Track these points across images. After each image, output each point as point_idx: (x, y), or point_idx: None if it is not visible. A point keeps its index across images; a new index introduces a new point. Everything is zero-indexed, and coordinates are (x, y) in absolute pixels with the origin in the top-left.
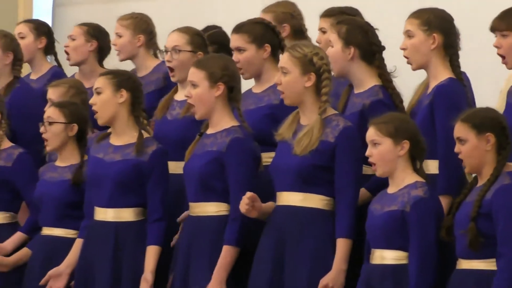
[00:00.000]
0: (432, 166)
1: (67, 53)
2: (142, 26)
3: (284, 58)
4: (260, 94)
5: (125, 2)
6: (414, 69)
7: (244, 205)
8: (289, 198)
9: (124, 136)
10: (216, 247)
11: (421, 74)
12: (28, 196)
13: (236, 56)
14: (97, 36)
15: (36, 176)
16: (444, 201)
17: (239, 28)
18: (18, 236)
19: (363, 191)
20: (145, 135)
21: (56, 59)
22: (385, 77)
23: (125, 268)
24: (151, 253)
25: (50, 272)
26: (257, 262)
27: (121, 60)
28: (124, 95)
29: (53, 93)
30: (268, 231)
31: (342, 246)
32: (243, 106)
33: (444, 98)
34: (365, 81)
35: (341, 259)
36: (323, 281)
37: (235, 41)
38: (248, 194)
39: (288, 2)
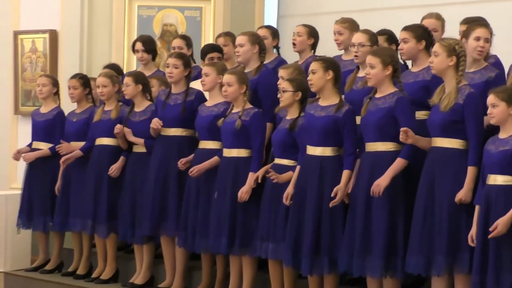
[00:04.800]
0: None
1: (294, 44)
2: (356, 27)
3: (436, 46)
4: (417, 72)
5: (324, 15)
6: None
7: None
8: (439, 142)
9: (328, 100)
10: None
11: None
12: (255, 142)
13: (401, 45)
14: (314, 35)
15: (264, 128)
16: None
17: (408, 27)
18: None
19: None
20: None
21: (278, 52)
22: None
23: (327, 187)
24: (344, 175)
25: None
26: (420, 181)
27: (340, 49)
28: (331, 74)
29: (284, 72)
30: (426, 162)
31: (470, 171)
32: (404, 79)
33: None
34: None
35: (469, 180)
36: (458, 196)
37: (403, 34)
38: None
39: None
